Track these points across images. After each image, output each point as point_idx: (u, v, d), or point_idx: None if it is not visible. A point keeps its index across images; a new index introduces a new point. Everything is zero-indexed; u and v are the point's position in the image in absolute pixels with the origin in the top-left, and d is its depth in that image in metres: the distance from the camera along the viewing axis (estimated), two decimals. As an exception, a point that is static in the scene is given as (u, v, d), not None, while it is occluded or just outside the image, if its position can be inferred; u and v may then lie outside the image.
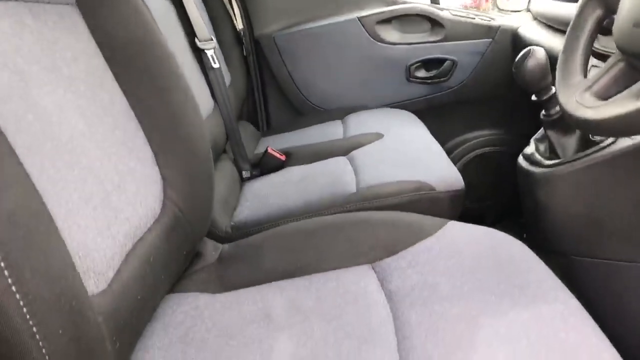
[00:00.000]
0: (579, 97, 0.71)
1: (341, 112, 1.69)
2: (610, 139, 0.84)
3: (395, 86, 1.77)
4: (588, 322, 0.60)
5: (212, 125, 1.28)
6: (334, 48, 1.75)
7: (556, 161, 0.94)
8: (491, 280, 0.67)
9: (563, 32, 1.14)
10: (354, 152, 1.30)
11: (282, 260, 0.81)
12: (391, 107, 1.74)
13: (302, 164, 1.32)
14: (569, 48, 0.81)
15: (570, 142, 0.95)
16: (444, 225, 0.82)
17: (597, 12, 0.78)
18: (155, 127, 0.77)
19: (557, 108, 0.96)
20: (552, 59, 0.96)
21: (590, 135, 0.91)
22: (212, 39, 1.39)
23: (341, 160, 1.27)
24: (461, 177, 1.11)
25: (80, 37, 0.70)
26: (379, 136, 1.38)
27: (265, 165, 1.34)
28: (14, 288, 0.40)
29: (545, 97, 0.98)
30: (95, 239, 0.57)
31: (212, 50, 1.36)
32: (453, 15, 1.72)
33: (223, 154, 1.37)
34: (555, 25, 1.39)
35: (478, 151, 1.85)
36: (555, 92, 0.96)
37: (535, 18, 1.63)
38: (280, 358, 0.61)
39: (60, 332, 0.44)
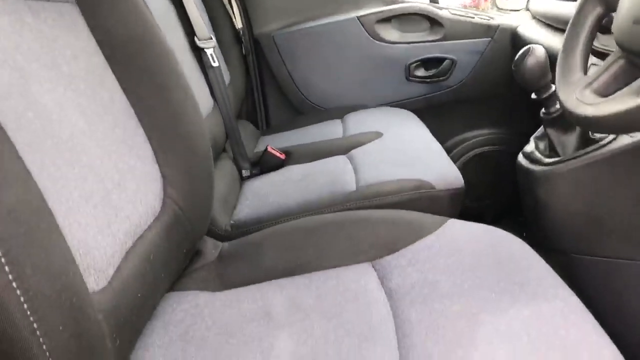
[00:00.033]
0: (579, 95, 0.71)
1: (340, 111, 1.69)
2: (610, 137, 0.84)
3: (395, 85, 1.77)
4: (588, 320, 0.60)
5: (212, 124, 1.28)
6: (334, 47, 1.75)
7: (556, 159, 0.94)
8: (491, 277, 0.67)
9: (562, 31, 1.14)
10: (354, 151, 1.30)
11: (282, 258, 0.81)
12: (390, 106, 1.74)
13: (302, 162, 1.32)
14: (568, 45, 0.81)
15: (570, 140, 0.95)
16: (444, 223, 0.82)
17: (597, 10, 0.78)
18: (155, 125, 0.77)
19: (557, 106, 0.96)
20: (551, 57, 0.96)
21: (590, 133, 0.91)
22: (211, 38, 1.39)
23: (341, 159, 1.27)
24: (461, 176, 1.11)
25: (80, 35, 0.70)
26: (378, 135, 1.38)
27: (265, 164, 1.34)
28: (14, 284, 0.40)
29: (545, 95, 0.98)
30: (96, 237, 0.57)
31: (212, 49, 1.36)
32: (452, 14, 1.72)
33: (223, 153, 1.37)
34: (554, 24, 1.39)
35: (477, 150, 1.85)
36: (554, 90, 0.96)
37: (534, 17, 1.63)
38: (281, 356, 0.61)
39: (61, 328, 0.44)
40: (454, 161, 1.21)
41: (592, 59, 0.95)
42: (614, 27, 0.69)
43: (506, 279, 0.67)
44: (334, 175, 1.16)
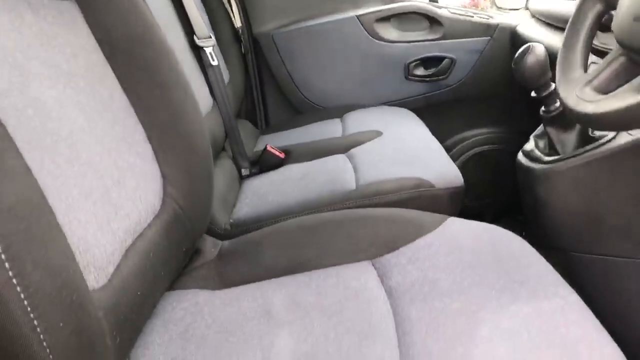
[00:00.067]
0: (579, 92, 0.71)
1: (340, 110, 1.69)
2: (609, 136, 0.84)
3: (394, 84, 1.77)
4: (588, 317, 0.60)
5: (211, 123, 1.28)
6: (333, 46, 1.74)
7: (555, 157, 0.94)
8: (491, 275, 0.67)
9: (561, 29, 1.14)
10: (353, 150, 1.30)
11: (282, 256, 0.81)
12: (390, 105, 1.74)
13: (302, 161, 1.31)
14: (569, 43, 0.81)
15: (569, 139, 0.95)
16: (444, 221, 0.82)
17: (597, 7, 0.78)
18: (155, 124, 0.77)
19: (557, 104, 0.96)
20: (551, 56, 0.96)
21: (589, 132, 0.91)
22: (210, 37, 1.39)
23: (340, 158, 1.27)
24: (460, 174, 1.11)
25: (79, 33, 0.70)
26: (378, 134, 1.38)
27: (265, 163, 1.34)
28: (14, 281, 0.40)
29: (544, 94, 0.97)
30: (96, 234, 0.57)
31: (211, 48, 1.36)
32: (451, 13, 1.72)
33: (222, 152, 1.37)
34: (553, 22, 1.39)
35: (477, 149, 1.85)
36: (554, 89, 0.96)
37: (533, 16, 1.63)
38: (281, 354, 0.61)
39: (61, 325, 0.44)
40: (454, 160, 1.21)
41: (592, 58, 0.95)
42: (614, 25, 0.69)
43: (506, 277, 0.67)
44: (333, 174, 1.16)
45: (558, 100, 0.96)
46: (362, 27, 1.72)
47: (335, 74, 1.77)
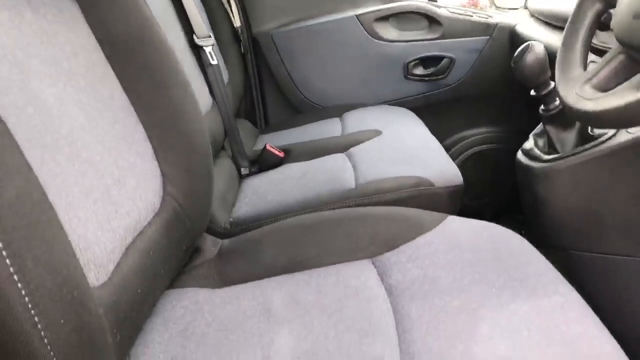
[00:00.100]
0: (579, 90, 0.71)
1: (339, 110, 1.69)
2: (609, 134, 0.85)
3: (393, 84, 1.77)
4: (588, 315, 0.60)
5: (211, 122, 1.28)
6: (332, 46, 1.74)
7: (555, 156, 0.94)
8: (491, 273, 0.67)
9: (560, 28, 1.14)
10: (353, 149, 1.30)
11: (281, 255, 0.81)
12: (389, 105, 1.74)
13: (301, 160, 1.31)
14: (568, 42, 0.81)
15: (569, 137, 0.95)
16: (444, 219, 0.82)
17: (597, 6, 0.78)
18: (155, 123, 0.77)
19: (556, 103, 0.97)
20: (550, 55, 0.96)
21: (588, 130, 0.91)
22: (210, 36, 1.39)
23: (340, 157, 1.27)
24: (460, 173, 1.11)
25: (79, 32, 0.70)
26: (377, 133, 1.38)
27: (264, 162, 1.34)
28: (15, 277, 0.40)
29: (544, 92, 0.98)
30: (96, 232, 0.57)
31: (210, 47, 1.36)
32: (450, 12, 1.72)
33: (221, 151, 1.37)
34: (552, 22, 1.39)
35: (476, 149, 1.85)
36: (554, 87, 0.96)
37: (532, 15, 1.63)
38: (281, 352, 0.61)
39: (62, 322, 0.44)
40: (453, 159, 1.21)
41: (592, 57, 0.95)
42: (613, 22, 0.69)
43: (506, 275, 0.67)
44: (333, 173, 1.16)
45: (557, 98, 0.96)
46: (361, 27, 1.72)
47: (334, 73, 1.77)
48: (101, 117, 0.66)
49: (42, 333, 0.42)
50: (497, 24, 1.70)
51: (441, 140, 1.37)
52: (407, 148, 1.25)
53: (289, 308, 0.68)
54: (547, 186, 0.96)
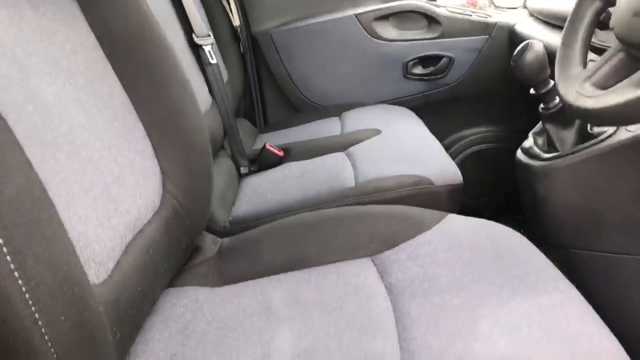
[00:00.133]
0: (578, 88, 0.71)
1: (338, 109, 1.69)
2: (608, 132, 0.85)
3: (393, 83, 1.77)
4: (588, 312, 0.60)
5: (210, 121, 1.28)
6: (331, 45, 1.74)
7: (554, 154, 0.94)
8: (491, 271, 0.67)
9: (560, 28, 1.14)
10: (352, 148, 1.30)
11: (281, 253, 0.81)
12: (388, 104, 1.74)
13: (300, 159, 1.31)
14: (567, 41, 0.81)
15: (568, 135, 0.95)
16: (444, 218, 0.82)
17: (596, 5, 0.78)
18: (154, 121, 0.77)
19: (556, 101, 0.97)
20: (549, 54, 0.96)
21: (588, 128, 0.91)
22: (209, 35, 1.39)
23: (339, 156, 1.27)
24: (459, 172, 1.11)
25: (79, 30, 0.70)
26: (376, 132, 1.38)
27: (264, 161, 1.34)
28: (16, 274, 0.40)
29: (543, 91, 0.98)
30: (96, 230, 0.57)
31: (210, 46, 1.36)
32: (450, 12, 1.72)
33: (221, 150, 1.37)
34: (551, 21, 1.39)
35: (475, 148, 1.85)
36: (553, 85, 0.96)
37: (531, 14, 1.63)
38: (281, 349, 0.61)
39: (63, 319, 0.44)
40: (452, 158, 1.21)
41: (591, 55, 0.95)
42: (613, 20, 0.69)
43: (506, 272, 0.67)
44: (332, 172, 1.16)
45: (557, 97, 0.96)
46: (360, 26, 1.72)
47: (333, 72, 1.77)
48: (101, 114, 0.66)
49: (43, 330, 0.42)
50: (496, 24, 1.70)
51: (441, 139, 1.37)
52: (406, 147, 1.25)
53: (289, 306, 0.68)
54: (546, 185, 0.96)
